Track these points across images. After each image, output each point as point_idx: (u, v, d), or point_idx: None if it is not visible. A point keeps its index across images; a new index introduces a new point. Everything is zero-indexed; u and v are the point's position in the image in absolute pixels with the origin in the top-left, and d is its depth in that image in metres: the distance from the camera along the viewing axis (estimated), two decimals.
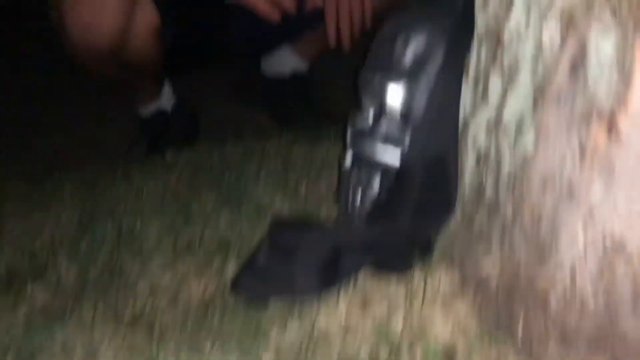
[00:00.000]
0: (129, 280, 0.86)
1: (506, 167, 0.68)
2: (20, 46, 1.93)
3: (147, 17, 1.23)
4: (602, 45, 0.56)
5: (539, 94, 0.63)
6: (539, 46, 0.62)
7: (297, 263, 0.75)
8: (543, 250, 0.63)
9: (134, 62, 1.27)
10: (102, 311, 0.80)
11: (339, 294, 0.75)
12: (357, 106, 0.77)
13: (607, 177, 0.57)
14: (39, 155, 1.55)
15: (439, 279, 0.74)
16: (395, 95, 0.73)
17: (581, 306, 0.60)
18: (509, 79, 0.67)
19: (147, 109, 1.47)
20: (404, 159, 0.73)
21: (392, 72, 0.73)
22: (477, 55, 0.73)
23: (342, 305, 0.74)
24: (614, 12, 0.54)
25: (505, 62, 0.68)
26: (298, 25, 1.38)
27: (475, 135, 0.74)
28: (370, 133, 0.75)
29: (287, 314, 0.73)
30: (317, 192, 1.00)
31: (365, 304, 0.74)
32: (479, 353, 0.66)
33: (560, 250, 0.62)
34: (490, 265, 0.69)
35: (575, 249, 0.60)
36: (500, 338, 0.67)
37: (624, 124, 0.56)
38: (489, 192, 0.72)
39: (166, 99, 1.48)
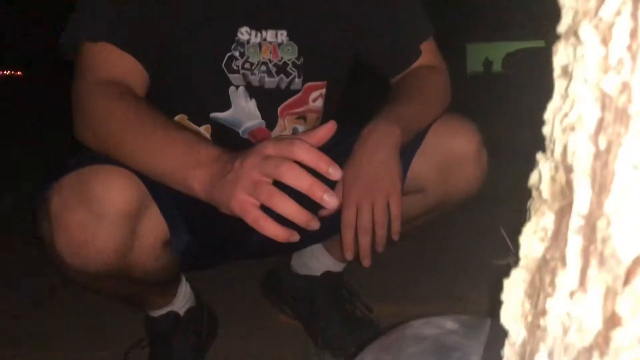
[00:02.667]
0: None
1: None
2: None
3: (154, 230, 1.04)
4: None
5: None
6: None
7: None
8: None
9: (139, 276, 1.07)
10: None
11: None
12: None
13: None
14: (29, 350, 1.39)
15: None
16: None
17: None
18: None
19: (158, 313, 1.28)
20: None
21: None
22: None
23: None
24: None
25: None
26: (328, 226, 1.18)
27: None
28: None
29: None
30: None
31: None
32: None
33: None
34: None
35: None
36: None
37: None
38: None
39: (181, 302, 1.29)
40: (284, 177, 0.77)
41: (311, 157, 0.79)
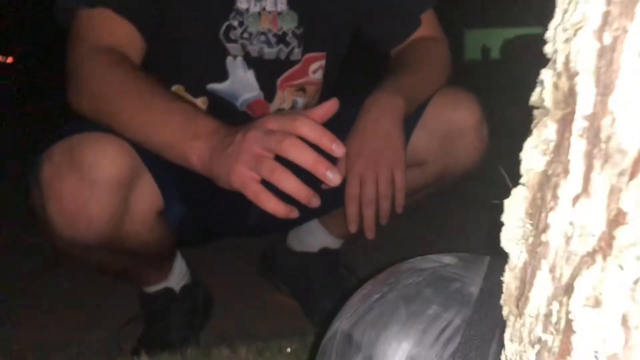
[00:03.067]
0: None
1: None
2: None
3: (147, 199, 1.03)
4: None
5: None
6: None
7: None
8: None
9: (133, 248, 1.05)
10: None
11: None
12: None
13: None
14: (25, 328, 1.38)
15: None
16: None
17: None
18: None
19: (153, 289, 1.27)
20: None
21: None
22: None
23: None
24: None
25: None
26: (328, 201, 1.16)
27: None
28: None
29: None
30: None
31: None
32: None
33: None
34: None
35: None
36: None
37: None
38: None
39: (176, 279, 1.28)
40: (287, 153, 0.76)
41: (314, 133, 0.77)
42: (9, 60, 13.79)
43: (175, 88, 1.15)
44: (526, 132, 0.39)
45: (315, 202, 0.79)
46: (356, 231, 1.00)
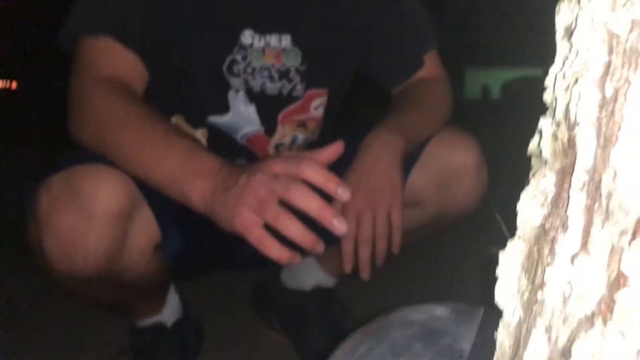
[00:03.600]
0: None
1: None
2: None
3: (145, 233, 1.00)
4: None
5: None
6: None
7: None
8: None
9: (129, 281, 1.02)
10: None
11: None
12: None
13: None
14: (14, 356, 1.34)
15: None
16: None
17: None
18: None
19: (144, 322, 1.24)
20: None
21: None
22: None
23: None
24: None
25: None
26: (324, 238, 1.13)
27: None
28: None
29: None
30: None
31: None
32: None
33: None
34: None
35: None
36: None
37: None
38: None
39: (169, 313, 1.25)
40: (294, 199, 0.74)
41: (320, 177, 0.76)
42: (13, 85, 13.88)
43: (175, 119, 1.14)
44: (524, 179, 0.38)
45: (319, 248, 0.78)
46: (351, 270, 0.98)
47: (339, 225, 0.75)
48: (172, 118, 1.13)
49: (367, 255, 0.95)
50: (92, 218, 0.91)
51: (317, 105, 1.18)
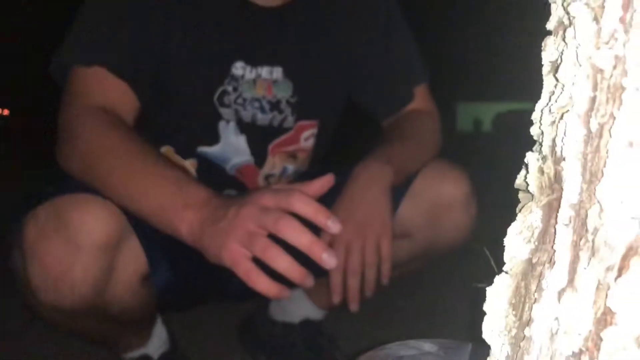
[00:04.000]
0: None
1: None
2: None
3: (133, 264, 0.99)
4: None
5: None
6: None
7: None
8: None
9: (115, 312, 1.01)
10: None
11: None
12: None
13: None
14: None
15: None
16: None
17: None
18: None
19: (130, 355, 1.21)
20: None
21: None
22: None
23: None
24: None
25: None
26: (312, 269, 1.12)
27: None
28: None
29: None
30: None
31: None
32: None
33: None
34: None
35: None
36: None
37: None
38: None
39: (156, 345, 1.22)
40: (283, 233, 0.74)
41: (309, 210, 0.76)
42: (5, 112, 13.90)
43: (164, 149, 1.14)
44: (512, 213, 0.38)
45: (309, 282, 0.78)
46: (340, 302, 0.97)
47: (328, 260, 0.75)
48: (161, 148, 1.13)
49: (355, 285, 0.95)
50: (79, 249, 0.90)
51: (307, 137, 1.18)
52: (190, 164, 1.15)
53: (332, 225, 0.77)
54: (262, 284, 0.76)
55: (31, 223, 0.92)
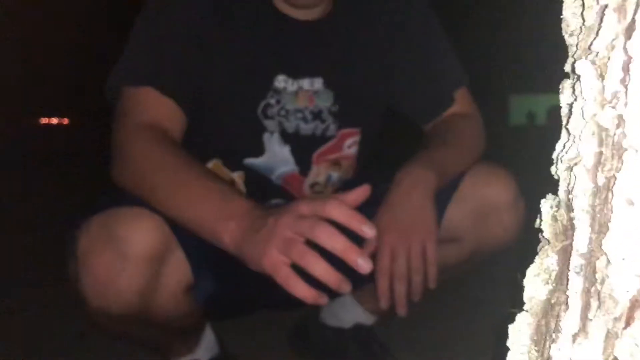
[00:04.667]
0: None
1: None
2: None
3: (177, 275, 1.04)
4: None
5: None
6: None
7: None
8: None
9: (161, 321, 1.06)
10: None
11: None
12: None
13: None
14: None
15: None
16: None
17: None
18: None
19: None
20: None
21: None
22: None
23: None
24: None
25: None
26: (361, 276, 1.14)
27: None
28: None
29: None
30: None
31: None
32: None
33: None
34: None
35: None
36: None
37: None
38: None
39: (203, 352, 1.27)
40: (318, 238, 0.77)
41: (344, 215, 0.78)
42: (65, 122, 14.41)
43: (213, 163, 1.19)
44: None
45: (345, 287, 0.80)
46: (388, 307, 0.99)
47: (364, 264, 0.76)
48: (210, 162, 1.18)
49: (402, 289, 0.96)
50: (125, 260, 0.96)
51: (350, 144, 1.21)
52: (238, 176, 1.19)
53: (367, 231, 0.78)
54: (300, 290, 0.78)
55: (84, 233, 0.99)
